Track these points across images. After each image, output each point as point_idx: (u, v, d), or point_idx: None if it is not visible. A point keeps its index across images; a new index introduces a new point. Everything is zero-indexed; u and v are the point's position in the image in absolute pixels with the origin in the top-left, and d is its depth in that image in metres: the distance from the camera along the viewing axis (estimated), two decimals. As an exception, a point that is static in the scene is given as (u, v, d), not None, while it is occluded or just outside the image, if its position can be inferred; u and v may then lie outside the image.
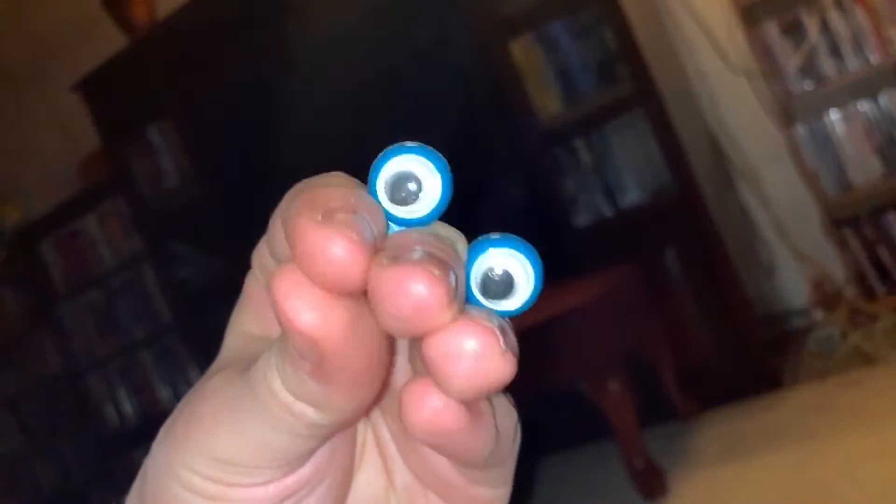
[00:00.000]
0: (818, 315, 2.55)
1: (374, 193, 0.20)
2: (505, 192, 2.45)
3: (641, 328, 2.24)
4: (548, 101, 2.48)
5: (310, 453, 0.22)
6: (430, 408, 0.19)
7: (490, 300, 0.20)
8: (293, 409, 0.20)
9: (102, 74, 3.04)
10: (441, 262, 0.18)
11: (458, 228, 0.21)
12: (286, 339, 0.19)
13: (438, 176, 0.20)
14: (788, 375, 2.33)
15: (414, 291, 0.18)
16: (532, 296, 0.20)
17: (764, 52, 2.44)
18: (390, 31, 2.52)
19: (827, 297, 2.53)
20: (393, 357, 0.24)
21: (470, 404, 0.20)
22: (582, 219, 2.47)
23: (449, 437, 0.20)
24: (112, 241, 3.36)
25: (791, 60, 2.42)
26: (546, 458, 2.44)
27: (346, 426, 0.21)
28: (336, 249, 0.18)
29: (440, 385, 0.19)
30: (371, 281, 0.18)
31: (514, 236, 0.20)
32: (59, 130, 3.45)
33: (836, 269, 2.53)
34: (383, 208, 0.20)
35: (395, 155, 0.20)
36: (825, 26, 2.39)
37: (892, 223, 2.41)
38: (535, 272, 0.20)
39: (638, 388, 2.03)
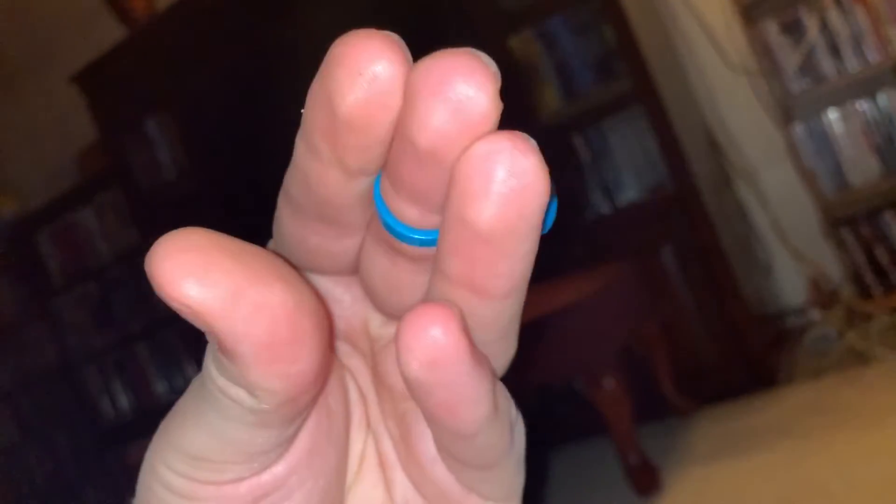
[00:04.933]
0: (814, 314, 2.56)
1: None
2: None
3: (638, 325, 2.24)
4: (547, 97, 2.48)
5: (276, 448, 0.21)
6: (431, 336, 0.18)
7: None
8: (230, 392, 0.19)
9: (101, 66, 3.03)
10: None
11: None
12: None
13: None
14: (784, 374, 2.33)
15: (464, 77, 0.17)
16: None
17: (763, 51, 2.44)
18: (390, 26, 2.51)
19: (823, 297, 2.53)
20: (332, 336, 0.24)
21: (471, 343, 0.19)
22: (579, 215, 2.47)
23: (446, 372, 0.18)
24: (109, 233, 3.36)
25: (790, 59, 2.42)
26: (542, 454, 2.44)
27: (293, 411, 0.20)
28: (376, 43, 0.17)
29: (475, 207, 0.17)
30: (412, 79, 0.17)
31: None
32: (56, 122, 3.44)
33: (833, 269, 2.53)
34: None
35: None
36: (825, 25, 2.39)
37: (889, 223, 2.41)
38: None
39: (633, 385, 2.03)
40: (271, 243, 0.23)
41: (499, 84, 0.17)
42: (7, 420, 3.66)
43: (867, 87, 2.40)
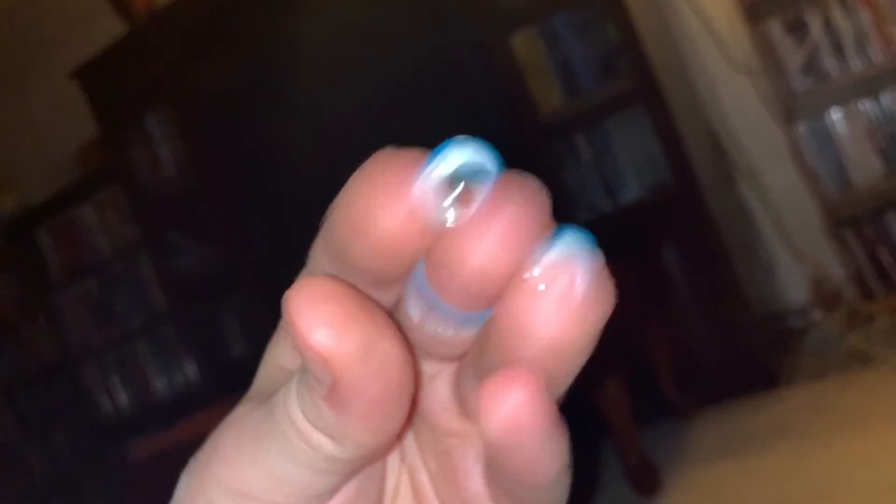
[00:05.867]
0: (816, 314, 2.55)
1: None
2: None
3: (639, 325, 2.23)
4: (549, 96, 2.47)
5: (330, 492, 0.21)
6: (515, 401, 0.18)
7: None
8: (311, 439, 0.19)
9: (101, 62, 3.03)
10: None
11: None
12: (303, 361, 0.19)
13: (493, 174, 0.18)
14: (785, 374, 2.33)
15: (511, 210, 0.18)
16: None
17: (766, 50, 2.43)
18: (392, 24, 2.50)
19: (825, 297, 2.52)
20: (417, 394, 0.23)
21: (553, 408, 0.19)
22: (580, 214, 2.46)
23: (529, 437, 0.19)
24: (109, 229, 3.36)
25: (793, 58, 2.41)
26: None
27: (365, 463, 0.20)
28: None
29: (537, 332, 0.18)
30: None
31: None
32: (57, 117, 3.43)
33: (835, 269, 2.52)
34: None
35: (453, 149, 0.18)
36: (828, 25, 2.38)
37: (892, 224, 2.41)
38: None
39: (634, 385, 2.02)
40: (305, 272, 0.22)
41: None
42: (6, 415, 3.65)
43: (870, 86, 2.39)
